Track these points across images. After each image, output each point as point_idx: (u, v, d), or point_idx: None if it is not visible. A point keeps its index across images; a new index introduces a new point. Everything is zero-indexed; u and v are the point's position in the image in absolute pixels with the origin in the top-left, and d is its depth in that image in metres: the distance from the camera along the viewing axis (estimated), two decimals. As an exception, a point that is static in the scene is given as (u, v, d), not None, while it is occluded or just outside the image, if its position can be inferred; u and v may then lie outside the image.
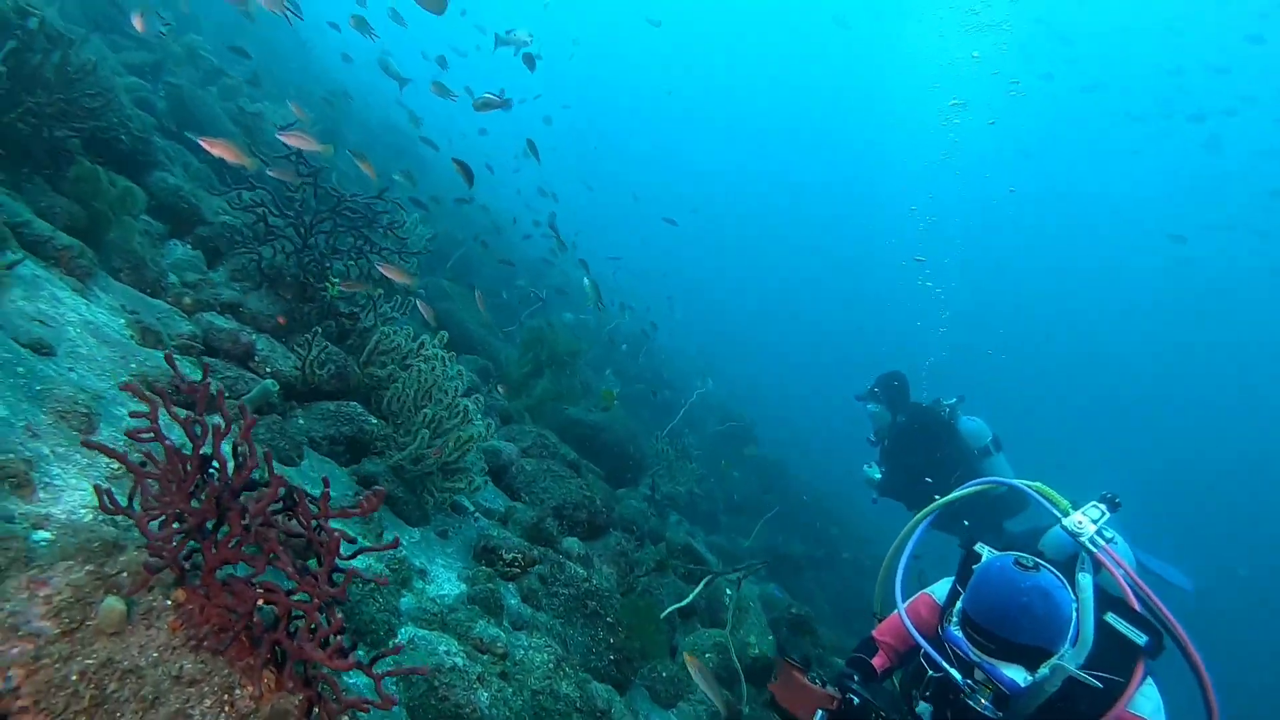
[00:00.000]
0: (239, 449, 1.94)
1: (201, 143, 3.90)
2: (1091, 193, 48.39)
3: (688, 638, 5.49)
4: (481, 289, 10.90)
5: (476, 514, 4.56)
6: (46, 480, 2.42)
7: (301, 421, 3.96)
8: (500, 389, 5.77)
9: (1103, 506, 3.22)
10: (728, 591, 6.42)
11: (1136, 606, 2.80)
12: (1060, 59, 38.88)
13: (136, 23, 5.91)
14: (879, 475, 7.36)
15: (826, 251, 56.64)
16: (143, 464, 2.02)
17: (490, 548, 4.13)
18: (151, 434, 1.98)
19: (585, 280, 8.74)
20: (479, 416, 4.24)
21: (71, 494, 2.43)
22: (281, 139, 4.88)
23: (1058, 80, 38.03)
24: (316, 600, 1.81)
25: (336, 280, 4.44)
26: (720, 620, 6.01)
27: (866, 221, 51.11)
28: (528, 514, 4.81)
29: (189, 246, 4.80)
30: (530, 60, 6.48)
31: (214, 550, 1.90)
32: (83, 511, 2.37)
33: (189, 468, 1.94)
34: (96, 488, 1.99)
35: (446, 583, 3.78)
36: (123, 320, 3.64)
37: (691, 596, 5.36)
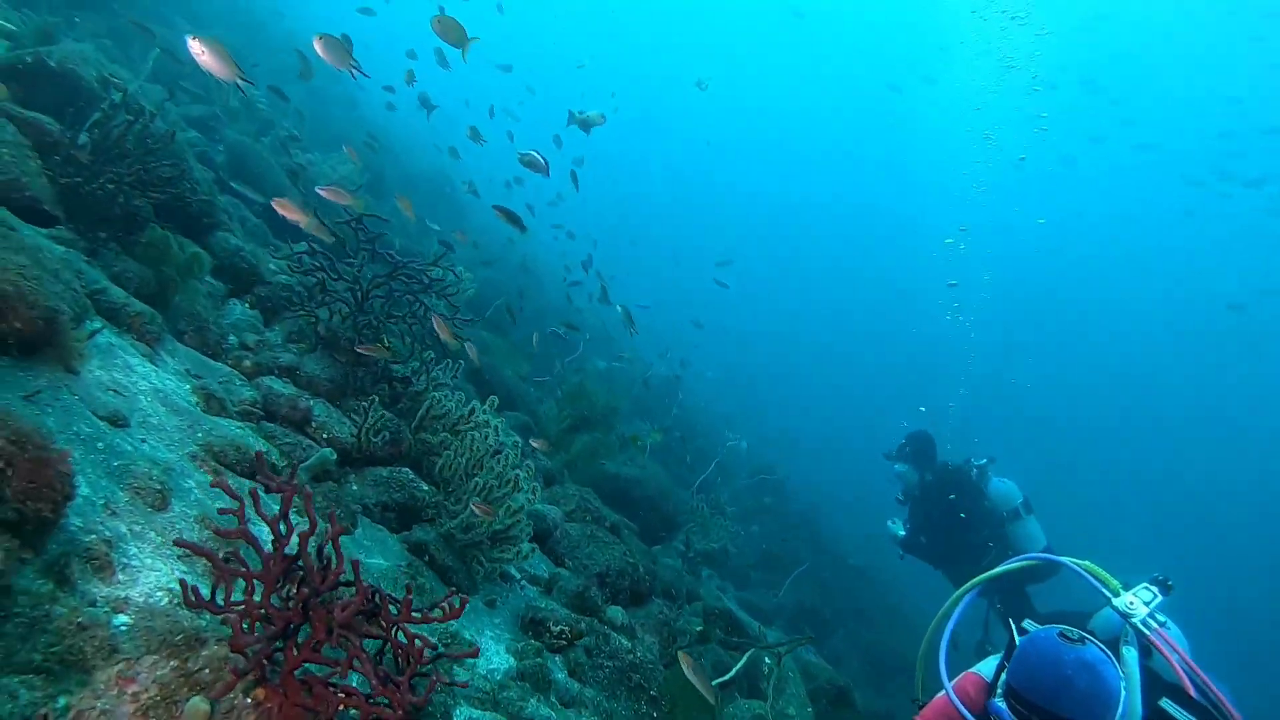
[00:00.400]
0: (324, 550, 1.99)
1: (275, 206, 4.05)
2: (1143, 249, 47.89)
3: (727, 708, 5.43)
4: (519, 336, 11.06)
5: (523, 581, 4.57)
6: (124, 560, 2.48)
7: (355, 488, 4.02)
8: (538, 445, 5.82)
9: (1154, 589, 3.17)
10: (766, 660, 6.34)
11: (1193, 694, 2.73)
12: (1110, 118, 38.84)
13: (197, 55, 6.09)
14: (903, 532, 7.40)
15: (857, 282, 56.41)
16: (227, 560, 2.07)
17: (538, 619, 4.14)
18: (237, 526, 2.03)
19: (618, 307, 8.89)
20: (528, 485, 4.27)
21: (148, 575, 2.49)
22: (321, 193, 5.10)
23: (1108, 142, 38.10)
24: (399, 709, 1.83)
25: (389, 345, 4.53)
26: (759, 691, 5.93)
27: (900, 257, 51.11)
28: (573, 582, 4.81)
29: (247, 306, 4.92)
30: (587, 126, 6.63)
31: (296, 652, 1.93)
32: (159, 595, 2.42)
33: (275, 566, 1.98)
34: (183, 583, 2.04)
35: (496, 655, 3.78)
36: (188, 386, 3.75)
37: (733, 672, 5.30)
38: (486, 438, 4.24)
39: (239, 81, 4.06)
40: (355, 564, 1.91)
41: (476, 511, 3.97)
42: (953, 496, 7.05)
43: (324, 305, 4.53)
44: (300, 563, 2.03)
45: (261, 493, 3.41)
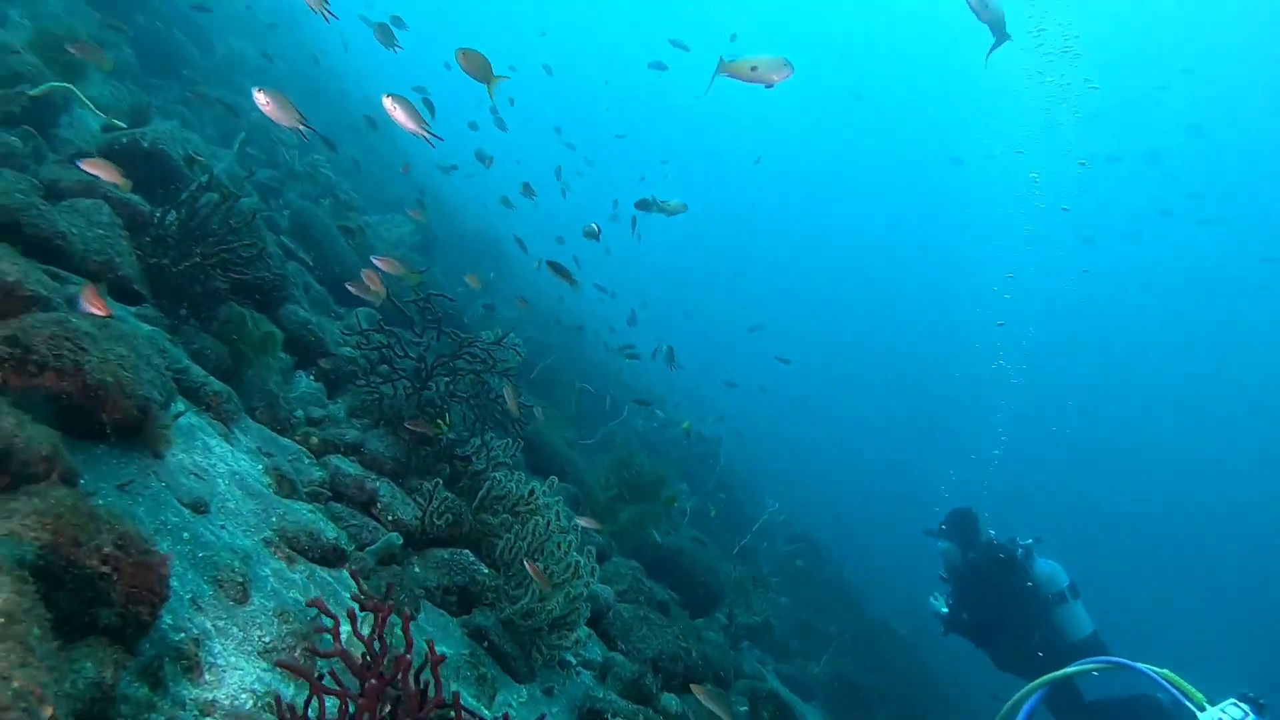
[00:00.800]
0: (422, 677, 2.00)
1: (351, 288, 4.17)
2: (1213, 323, 46.94)
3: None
4: (562, 394, 11.16)
5: (578, 667, 4.54)
6: (211, 659, 2.52)
7: (418, 570, 4.05)
8: (587, 524, 5.82)
9: (1245, 707, 3.07)
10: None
11: None
12: (1176, 193, 38.64)
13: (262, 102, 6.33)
14: (945, 609, 7.32)
15: (899, 329, 55.90)
16: (321, 678, 2.09)
17: (595, 710, 4.10)
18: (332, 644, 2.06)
19: (666, 347, 8.94)
20: (587, 570, 4.27)
21: (232, 675, 2.52)
22: (379, 265, 5.30)
23: (1175, 216, 37.88)
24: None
25: (448, 425, 4.59)
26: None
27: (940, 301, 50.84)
28: (627, 668, 4.77)
29: (312, 378, 5.04)
30: (647, 206, 6.77)
31: (391, 775, 1.94)
32: (244, 697, 2.44)
33: (373, 690, 2.00)
34: (277, 699, 2.06)
35: (553, 750, 3.74)
36: (261, 466, 3.83)
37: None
38: (548, 523, 4.25)
39: (301, 127, 4.24)
40: (456, 696, 1.92)
41: (532, 574, 3.95)
42: (997, 576, 6.99)
43: (389, 382, 4.62)
44: (396, 681, 2.05)
45: (340, 584, 3.46)
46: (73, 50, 4.37)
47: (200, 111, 9.02)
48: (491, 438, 4.91)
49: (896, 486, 36.15)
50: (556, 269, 7.20)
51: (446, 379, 4.73)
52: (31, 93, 3.48)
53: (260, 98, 4.16)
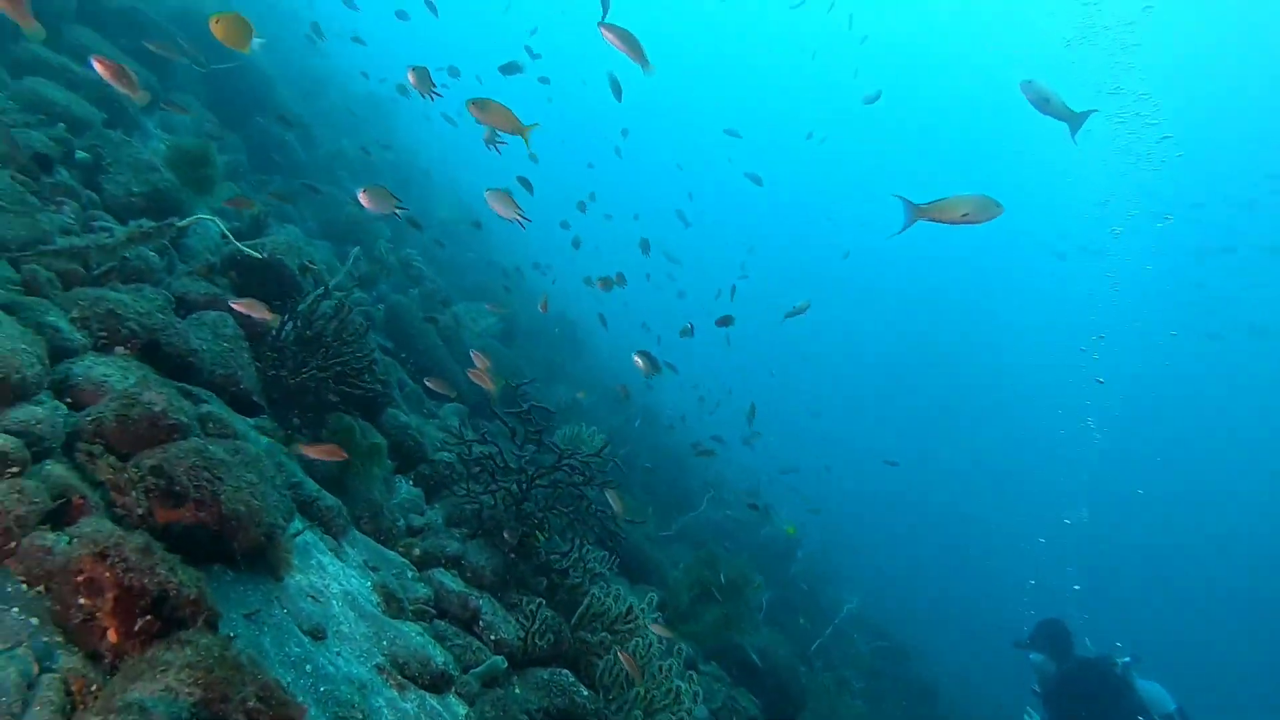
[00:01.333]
0: None
1: (430, 384, 4.24)
2: None
3: None
4: (640, 481, 11.11)
5: (675, 797, 4.39)
6: (334, 809, 2.51)
7: (519, 691, 4.00)
8: (662, 632, 5.70)
9: None
10: None
11: None
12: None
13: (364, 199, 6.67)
14: None
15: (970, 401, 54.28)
16: None
17: None
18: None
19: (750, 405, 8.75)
20: (688, 697, 4.16)
21: (355, 826, 2.50)
22: (472, 377, 5.49)
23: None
24: None
25: (547, 537, 4.60)
26: None
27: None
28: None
29: (411, 483, 5.13)
30: (728, 321, 6.85)
31: None
32: None
33: None
34: None
35: None
36: (369, 583, 3.87)
37: None
38: (649, 644, 4.18)
39: (397, 211, 4.44)
40: None
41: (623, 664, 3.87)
42: (1100, 696, 6.74)
43: (489, 492, 4.67)
44: None
45: (447, 711, 3.44)
46: (227, 205, 4.85)
47: (302, 206, 9.53)
48: (588, 549, 4.89)
49: (979, 567, 34.88)
50: (645, 359, 7.28)
51: (546, 490, 4.75)
52: (180, 224, 3.71)
53: (364, 198, 4.43)
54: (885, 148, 52.96)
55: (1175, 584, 39.56)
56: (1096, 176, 28.23)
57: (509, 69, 11.90)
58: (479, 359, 6.50)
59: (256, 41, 4.14)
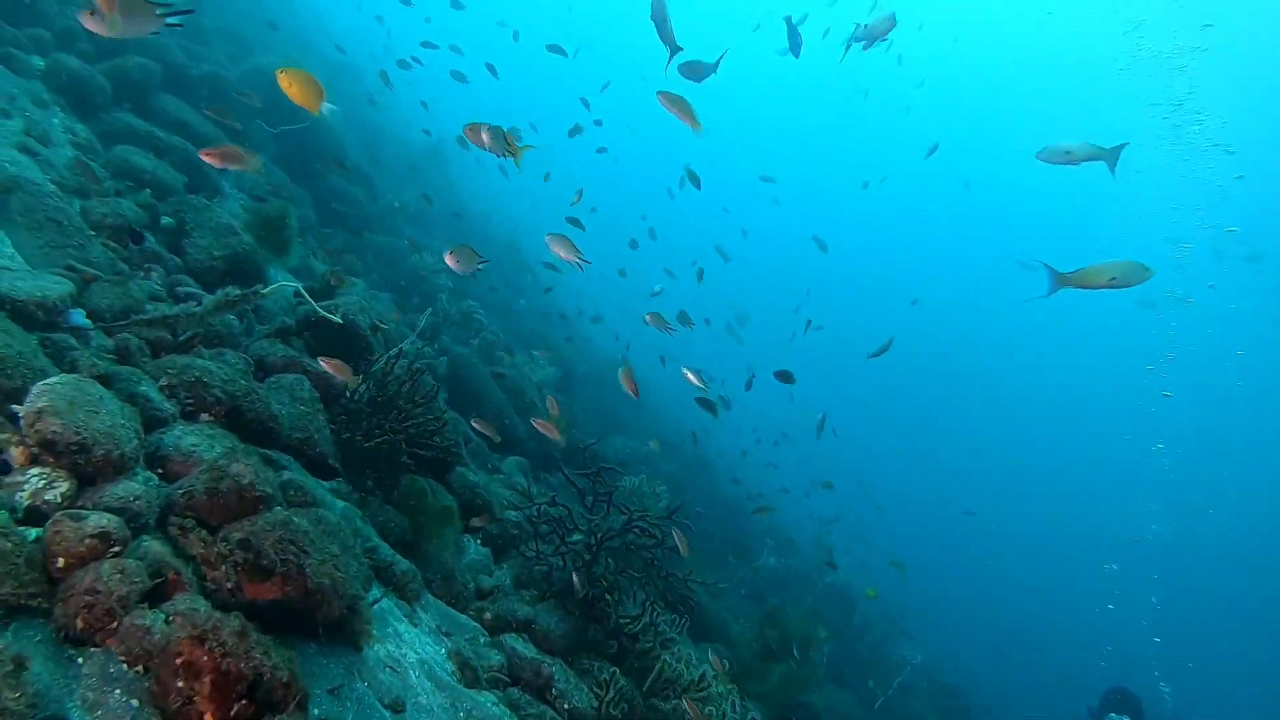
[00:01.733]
0: None
1: (476, 425, 4.27)
2: None
3: None
4: (698, 529, 11.00)
5: None
6: None
7: (592, 765, 3.96)
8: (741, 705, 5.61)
9: None
10: None
11: None
12: None
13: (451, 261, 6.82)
14: None
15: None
16: None
17: None
18: None
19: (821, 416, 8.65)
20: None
21: None
22: (537, 425, 5.55)
23: None
24: None
25: (617, 600, 4.57)
26: None
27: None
28: None
29: (479, 542, 5.16)
30: (788, 377, 6.87)
31: None
32: None
33: None
34: None
35: None
36: (444, 650, 3.88)
37: None
38: (723, 715, 4.10)
39: (479, 267, 4.56)
40: None
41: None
42: None
43: (559, 555, 4.67)
44: None
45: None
46: (331, 280, 5.11)
47: (366, 258, 9.81)
48: (658, 613, 4.84)
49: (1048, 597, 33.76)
50: (704, 405, 7.28)
51: (616, 552, 4.74)
52: (264, 292, 3.84)
53: (449, 259, 4.55)
54: (949, 192, 52.31)
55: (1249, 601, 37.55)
56: (1164, 210, 27.61)
57: (574, 131, 13.06)
58: (552, 405, 6.60)
59: (326, 107, 4.25)
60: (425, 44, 14.21)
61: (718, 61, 5.96)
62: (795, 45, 7.36)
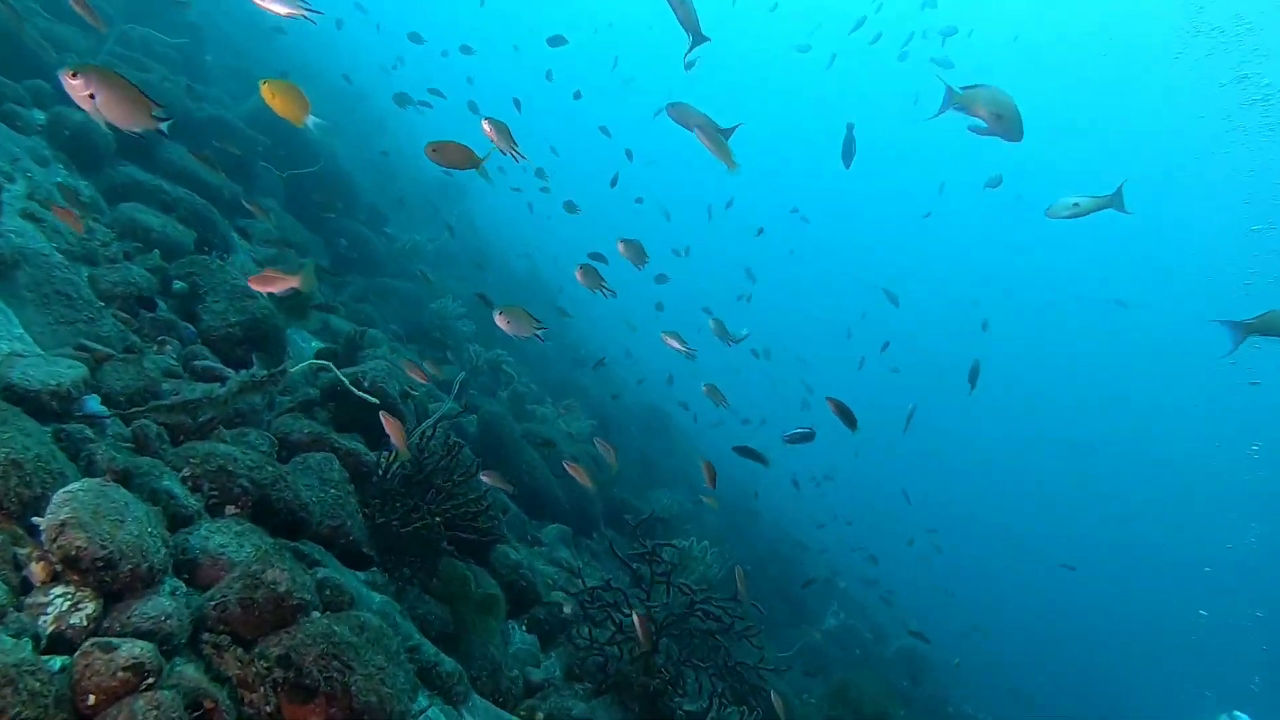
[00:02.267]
0: None
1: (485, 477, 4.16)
2: None
3: None
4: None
5: None
6: None
7: None
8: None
9: None
10: None
11: None
12: None
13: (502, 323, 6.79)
14: None
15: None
16: None
17: None
18: None
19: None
20: None
21: None
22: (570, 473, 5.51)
23: None
24: None
25: (682, 693, 4.43)
26: None
27: None
28: None
29: (524, 628, 5.05)
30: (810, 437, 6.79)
31: None
32: None
33: None
34: None
35: None
36: (495, 762, 3.77)
37: None
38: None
39: (538, 333, 4.60)
40: None
41: None
42: None
43: (614, 643, 4.54)
44: None
45: None
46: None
47: (382, 305, 9.83)
48: (726, 706, 4.68)
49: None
50: (745, 453, 7.16)
51: (678, 638, 4.61)
52: (293, 370, 3.81)
53: (500, 321, 4.54)
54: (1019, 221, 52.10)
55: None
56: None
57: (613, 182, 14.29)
58: (608, 452, 6.51)
59: (312, 120, 4.14)
60: (432, 90, 14.37)
61: (732, 129, 5.96)
62: (849, 155, 7.67)
